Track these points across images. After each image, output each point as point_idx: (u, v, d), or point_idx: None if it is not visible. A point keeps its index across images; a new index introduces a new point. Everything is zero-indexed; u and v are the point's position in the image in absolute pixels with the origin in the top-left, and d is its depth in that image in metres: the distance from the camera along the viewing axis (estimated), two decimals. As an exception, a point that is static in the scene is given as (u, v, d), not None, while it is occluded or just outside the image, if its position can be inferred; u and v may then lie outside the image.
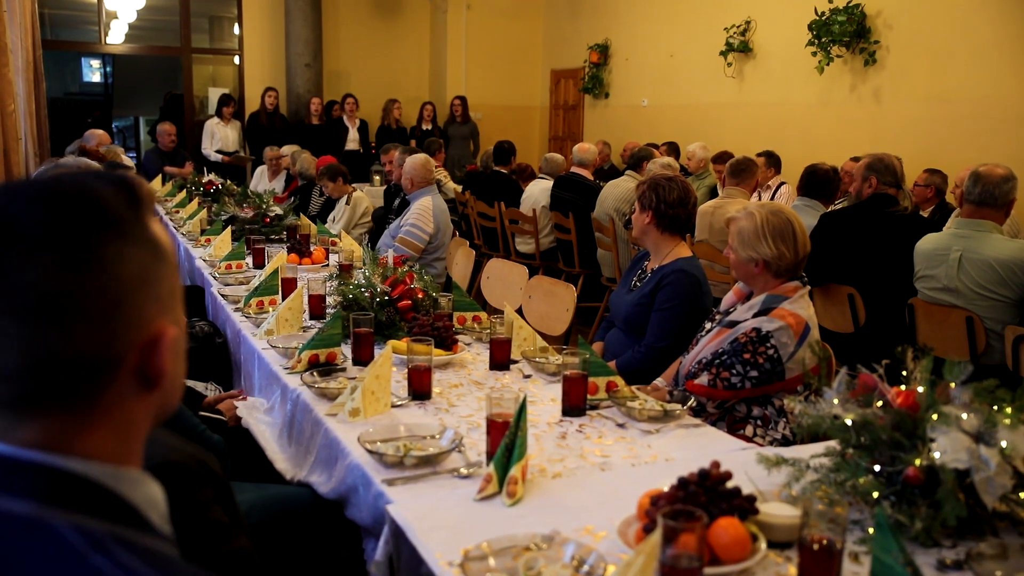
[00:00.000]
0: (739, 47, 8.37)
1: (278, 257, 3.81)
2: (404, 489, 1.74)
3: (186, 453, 1.22)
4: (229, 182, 6.85)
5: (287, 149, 7.87)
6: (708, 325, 2.65)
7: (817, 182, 4.66)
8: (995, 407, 1.48)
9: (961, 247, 3.46)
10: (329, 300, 3.16)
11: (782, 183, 6.91)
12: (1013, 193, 3.49)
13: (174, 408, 0.91)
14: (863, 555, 1.42)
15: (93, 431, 0.80)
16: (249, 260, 4.22)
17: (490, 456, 1.79)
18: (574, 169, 6.62)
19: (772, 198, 6.72)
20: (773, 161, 6.95)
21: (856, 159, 5.99)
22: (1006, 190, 3.44)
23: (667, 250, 3.01)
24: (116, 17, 11.10)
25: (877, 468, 1.53)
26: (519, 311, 3.81)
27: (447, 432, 1.96)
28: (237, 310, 3.25)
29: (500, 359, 2.58)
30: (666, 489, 1.46)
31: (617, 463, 1.90)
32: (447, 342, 2.62)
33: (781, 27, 7.89)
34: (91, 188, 0.81)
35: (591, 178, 6.66)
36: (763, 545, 1.40)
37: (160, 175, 8.03)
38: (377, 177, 8.66)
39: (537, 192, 6.74)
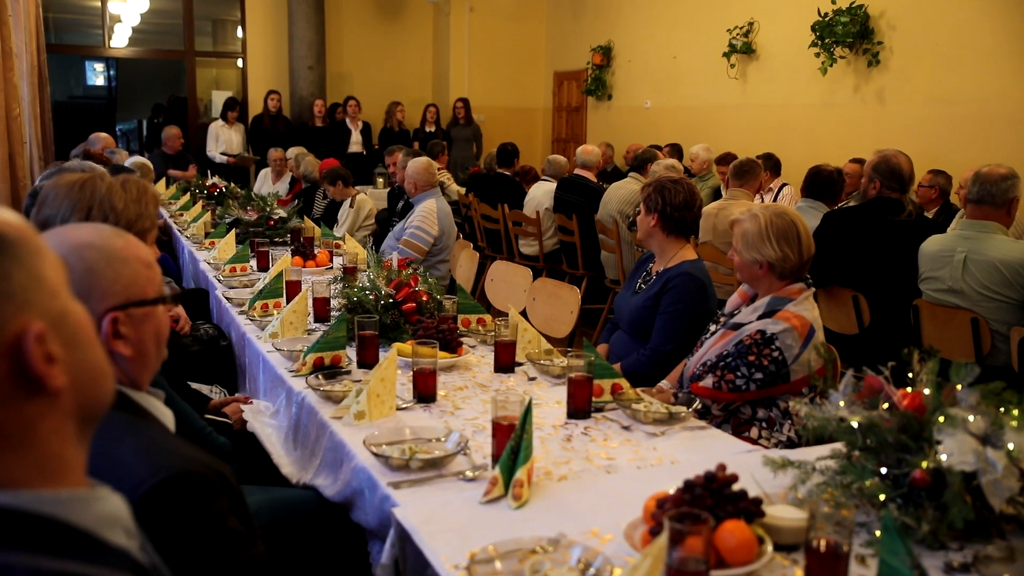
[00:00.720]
0: (742, 48, 8.36)
1: (282, 260, 3.82)
2: (410, 492, 1.74)
3: (203, 463, 1.22)
4: (233, 185, 6.87)
5: (292, 151, 7.90)
6: (713, 327, 2.65)
7: (821, 183, 4.65)
8: (1002, 409, 1.48)
9: (966, 248, 3.45)
10: (333, 303, 3.16)
11: (784, 185, 6.91)
12: (1013, 191, 3.48)
13: (105, 401, 0.84)
14: (870, 558, 1.41)
15: (3, 458, 0.73)
16: (253, 263, 4.22)
17: (495, 459, 1.79)
18: (577, 171, 6.62)
19: (774, 200, 6.71)
20: (772, 164, 6.92)
21: (856, 160, 5.99)
22: (1004, 188, 3.44)
23: (672, 252, 3.01)
24: (120, 21, 11.13)
25: (883, 470, 1.53)
26: (523, 313, 3.81)
27: (452, 435, 1.96)
28: (242, 313, 3.25)
29: (505, 361, 2.58)
30: (672, 492, 1.46)
31: (622, 466, 1.91)
32: (452, 345, 2.63)
33: (784, 28, 7.89)
34: None
35: (594, 180, 6.65)
36: (769, 548, 1.40)
37: (164, 178, 8.06)
38: (380, 179, 8.67)
39: (540, 194, 6.75)
